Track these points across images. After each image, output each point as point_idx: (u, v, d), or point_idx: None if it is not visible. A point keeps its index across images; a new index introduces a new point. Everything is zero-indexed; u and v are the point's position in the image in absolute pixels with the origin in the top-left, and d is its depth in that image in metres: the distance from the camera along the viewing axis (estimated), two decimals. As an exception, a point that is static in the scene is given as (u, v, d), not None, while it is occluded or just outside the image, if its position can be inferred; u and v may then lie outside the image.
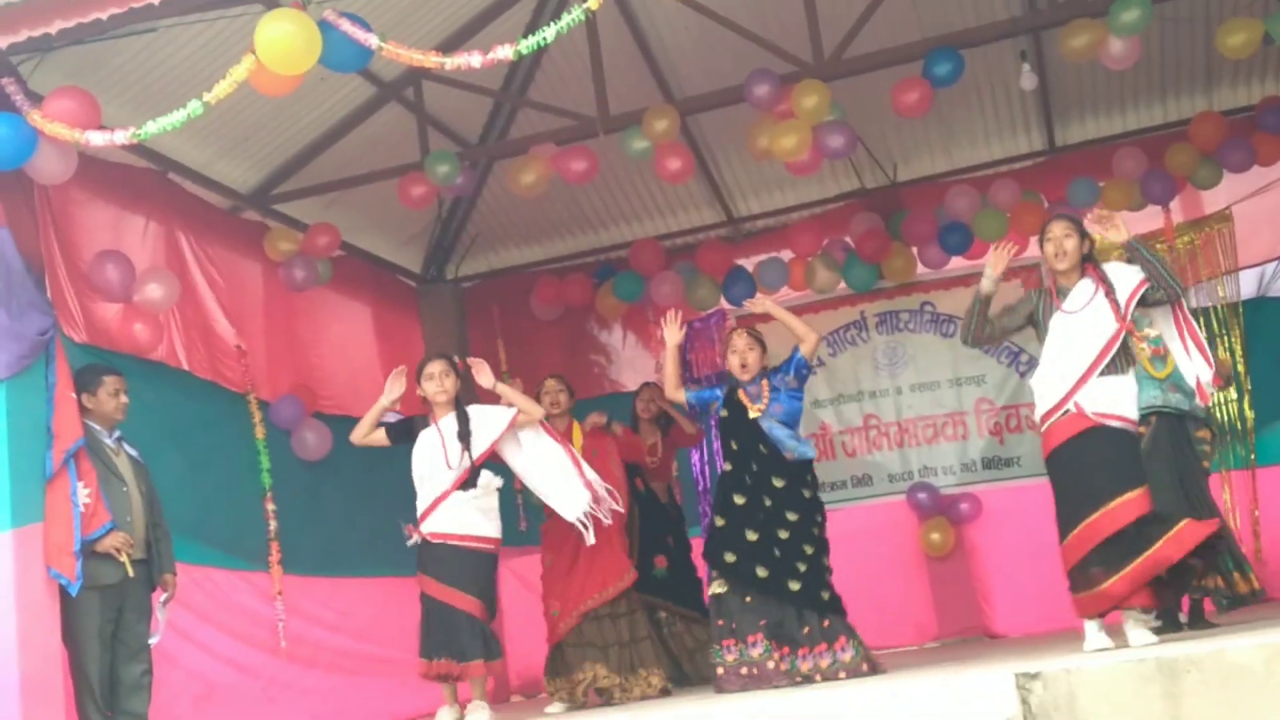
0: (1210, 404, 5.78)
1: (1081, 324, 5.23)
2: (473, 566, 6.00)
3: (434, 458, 6.07)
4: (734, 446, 6.08)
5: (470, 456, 6.03)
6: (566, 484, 6.22)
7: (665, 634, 7.35)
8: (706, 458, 9.48)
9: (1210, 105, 8.69)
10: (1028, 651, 6.13)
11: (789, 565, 5.82)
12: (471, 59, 5.29)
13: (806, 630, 5.76)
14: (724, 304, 9.34)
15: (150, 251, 7.07)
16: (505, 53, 5.25)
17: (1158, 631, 5.35)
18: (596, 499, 6.21)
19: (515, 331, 9.86)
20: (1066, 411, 5.20)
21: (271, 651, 7.22)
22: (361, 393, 8.75)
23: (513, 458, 6.29)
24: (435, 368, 6.23)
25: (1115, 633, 5.14)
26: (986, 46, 7.94)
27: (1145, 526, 5.03)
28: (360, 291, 9.09)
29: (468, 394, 6.46)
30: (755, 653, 5.73)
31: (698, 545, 8.41)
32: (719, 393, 6.23)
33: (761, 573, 5.81)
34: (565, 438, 6.61)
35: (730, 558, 5.88)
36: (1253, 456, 8.39)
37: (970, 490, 8.98)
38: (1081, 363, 5.19)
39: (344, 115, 7.92)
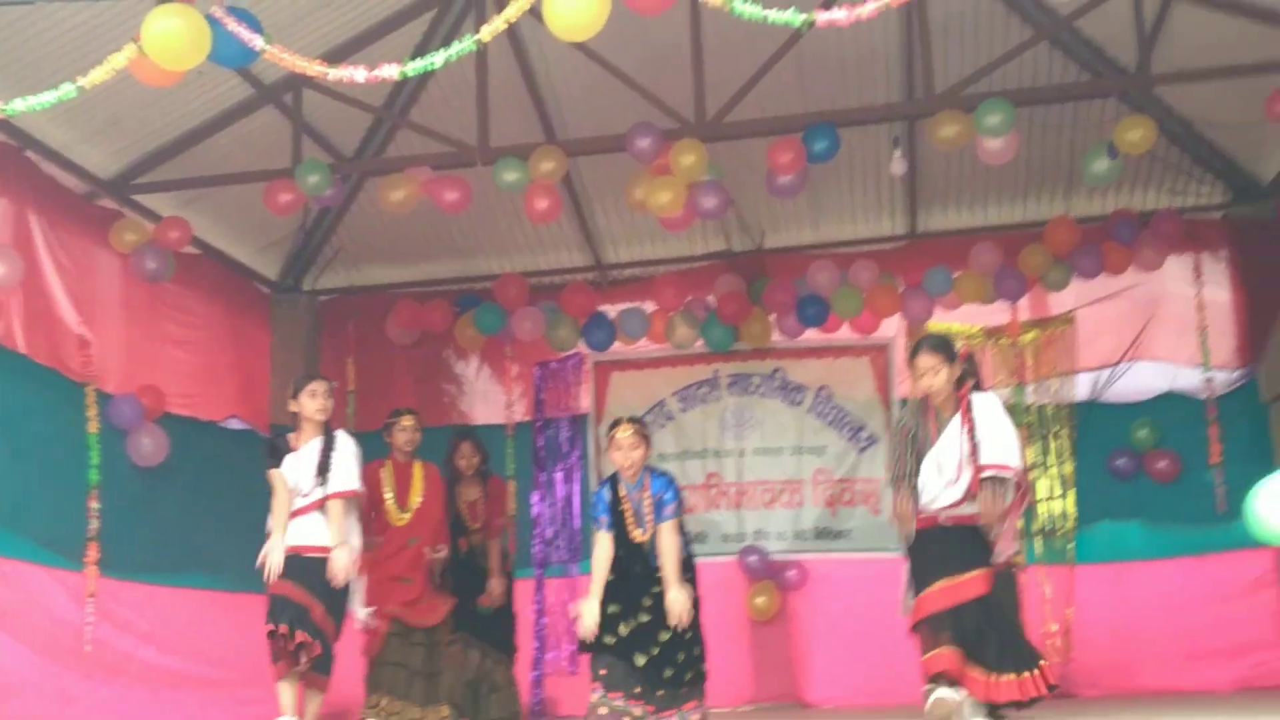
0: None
1: (951, 486, 5.52)
2: (322, 576, 6.05)
3: (293, 482, 6.20)
4: (620, 553, 6.01)
5: (324, 490, 6.14)
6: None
7: (477, 670, 7.50)
8: (548, 500, 9.44)
9: (1067, 210, 9.03)
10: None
11: (670, 648, 5.86)
12: (356, 73, 5.24)
13: (661, 694, 5.82)
14: (582, 347, 9.35)
15: (-6, 228, 6.81)
16: (391, 72, 5.22)
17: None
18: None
19: (368, 351, 9.72)
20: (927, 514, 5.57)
21: (74, 655, 6.92)
22: (208, 396, 8.59)
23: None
24: (319, 387, 6.32)
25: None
26: (863, 128, 8.18)
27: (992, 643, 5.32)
28: (213, 294, 8.85)
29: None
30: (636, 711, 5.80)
31: (525, 587, 8.46)
32: (605, 496, 6.11)
33: (640, 660, 5.83)
34: (406, 475, 6.96)
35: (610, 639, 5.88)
36: (1071, 554, 8.68)
37: (799, 558, 9.10)
38: (939, 504, 5.55)
39: (218, 112, 7.75)
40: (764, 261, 9.32)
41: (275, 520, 6.17)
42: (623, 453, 6.03)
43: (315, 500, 6.15)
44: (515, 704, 7.69)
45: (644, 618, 5.89)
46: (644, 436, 6.09)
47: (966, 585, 5.39)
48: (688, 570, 6.09)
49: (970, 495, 5.45)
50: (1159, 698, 7.53)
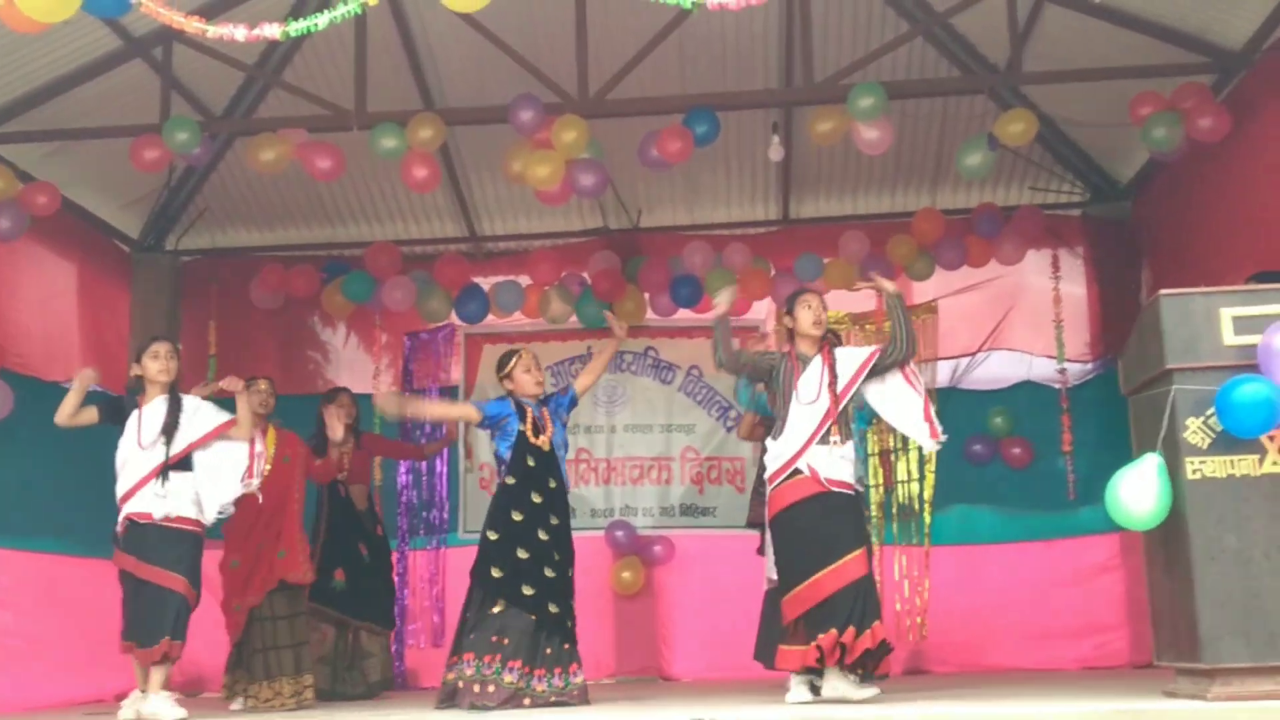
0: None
1: (810, 411, 5.69)
2: (177, 546, 5.91)
3: (131, 443, 5.98)
4: (530, 464, 6.15)
5: (168, 450, 5.97)
6: (233, 479, 6.21)
7: (341, 643, 7.44)
8: (414, 472, 9.35)
9: (934, 203, 9.27)
10: (700, 697, 6.33)
11: (555, 589, 6.00)
12: (236, 32, 5.11)
13: (549, 651, 5.92)
14: (454, 319, 9.27)
15: None
16: (273, 31, 5.11)
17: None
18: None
19: (231, 315, 9.49)
20: (797, 472, 5.60)
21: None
22: (55, 355, 8.29)
23: (200, 454, 6.17)
24: (161, 348, 6.14)
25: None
26: (739, 113, 8.26)
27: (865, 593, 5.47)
28: (69, 250, 8.56)
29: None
30: (509, 678, 5.80)
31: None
32: (509, 408, 6.25)
33: (528, 591, 5.93)
34: (261, 439, 6.67)
35: (497, 573, 5.96)
36: (927, 536, 8.94)
37: (666, 534, 9.20)
38: (803, 437, 5.65)
39: (83, 63, 7.47)
40: (639, 240, 9.36)
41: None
42: (531, 375, 6.29)
43: (157, 464, 5.93)
44: (383, 673, 7.64)
45: (552, 520, 6.08)
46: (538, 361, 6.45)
47: (847, 568, 5.45)
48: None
49: (829, 418, 5.61)
50: (1008, 675, 7.80)
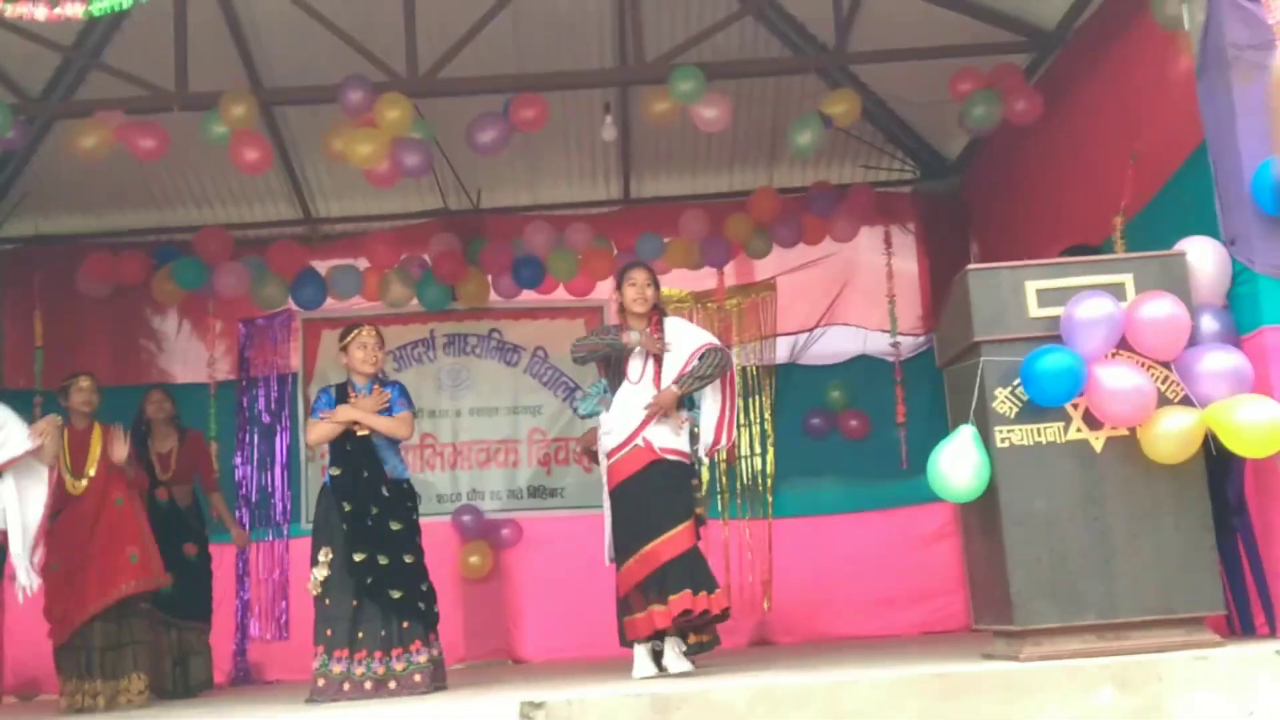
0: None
1: (639, 392, 5.73)
2: None
3: None
4: (348, 448, 6.10)
5: None
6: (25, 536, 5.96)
7: (164, 642, 7.25)
8: (253, 462, 9.16)
9: (770, 182, 9.39)
10: (543, 679, 6.34)
11: (391, 573, 5.95)
12: (37, 10, 4.90)
13: (384, 634, 5.89)
14: (291, 305, 9.08)
15: None
16: (75, 10, 4.92)
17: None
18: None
19: (57, 305, 9.14)
20: (634, 446, 5.67)
21: None
22: None
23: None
24: None
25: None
26: (577, 92, 8.24)
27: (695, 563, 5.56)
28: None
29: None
30: (359, 670, 5.82)
31: (227, 551, 8.25)
32: (330, 397, 6.18)
33: (369, 581, 5.90)
34: (85, 440, 6.56)
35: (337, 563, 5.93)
36: (770, 510, 9.08)
37: (513, 516, 9.19)
38: (637, 418, 5.69)
39: (-118, 43, 7.13)
40: (481, 221, 9.30)
41: None
42: (367, 351, 6.16)
43: None
44: (207, 671, 7.48)
45: (374, 510, 5.99)
46: (381, 339, 6.27)
47: (672, 542, 5.54)
48: (414, 499, 6.30)
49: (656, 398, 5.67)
50: (849, 643, 7.98)
